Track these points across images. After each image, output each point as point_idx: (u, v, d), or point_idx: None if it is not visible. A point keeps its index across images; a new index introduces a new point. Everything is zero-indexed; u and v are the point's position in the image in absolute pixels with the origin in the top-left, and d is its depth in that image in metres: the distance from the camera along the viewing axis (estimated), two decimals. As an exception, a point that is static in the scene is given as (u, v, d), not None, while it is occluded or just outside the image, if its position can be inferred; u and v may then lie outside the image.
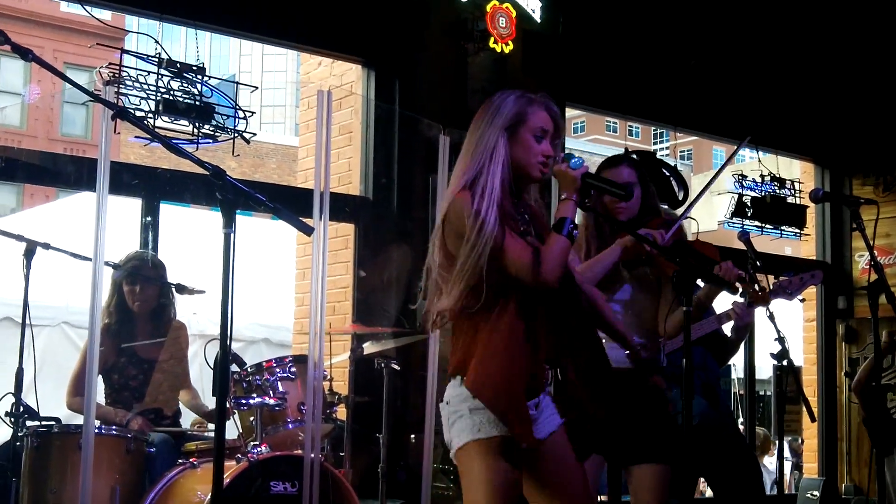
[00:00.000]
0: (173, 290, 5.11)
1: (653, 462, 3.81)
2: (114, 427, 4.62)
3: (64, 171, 5.61)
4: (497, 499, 2.93)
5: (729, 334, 5.10)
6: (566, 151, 3.17)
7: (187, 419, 5.41)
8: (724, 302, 4.52)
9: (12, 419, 4.31)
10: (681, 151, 48.15)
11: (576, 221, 3.05)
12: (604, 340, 3.87)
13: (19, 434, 4.33)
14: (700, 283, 4.04)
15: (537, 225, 3.15)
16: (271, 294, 8.52)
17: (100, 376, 5.02)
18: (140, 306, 5.10)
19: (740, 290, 4.16)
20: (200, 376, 5.66)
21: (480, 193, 2.97)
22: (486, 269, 2.91)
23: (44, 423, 4.38)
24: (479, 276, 2.93)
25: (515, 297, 2.98)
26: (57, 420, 4.50)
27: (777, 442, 5.04)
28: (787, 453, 10.83)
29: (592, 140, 42.75)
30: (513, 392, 2.93)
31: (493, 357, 2.95)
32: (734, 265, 3.86)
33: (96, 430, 4.13)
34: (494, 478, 2.93)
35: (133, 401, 5.02)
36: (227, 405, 4.43)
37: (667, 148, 46.95)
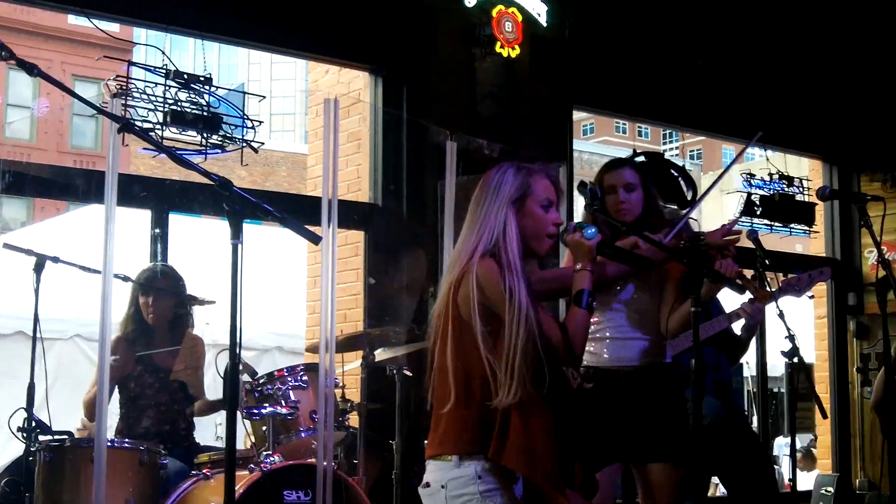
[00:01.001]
0: (189, 301, 5.15)
1: (665, 461, 3.81)
2: (126, 440, 4.63)
3: (73, 185, 5.62)
4: None
5: (739, 332, 5.10)
6: (577, 221, 3.19)
7: (200, 432, 5.42)
8: (733, 300, 4.52)
9: (24, 434, 4.33)
10: (690, 151, 48.10)
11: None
12: (613, 339, 3.88)
13: (32, 449, 4.34)
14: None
15: None
16: (284, 302, 8.54)
17: (116, 385, 5.05)
18: (154, 318, 5.12)
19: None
20: (214, 386, 5.68)
21: (507, 267, 2.93)
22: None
23: (56, 437, 4.40)
24: (534, 358, 2.87)
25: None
26: (69, 434, 4.51)
27: (790, 439, 5.03)
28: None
29: (602, 142, 42.74)
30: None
31: (539, 435, 2.88)
32: (734, 262, 3.87)
33: (109, 444, 4.15)
34: None
35: (149, 409, 5.04)
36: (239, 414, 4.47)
37: (676, 148, 46.93)
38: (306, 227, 2.84)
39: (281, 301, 8.67)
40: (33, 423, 4.35)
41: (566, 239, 3.11)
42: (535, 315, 2.89)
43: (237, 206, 2.62)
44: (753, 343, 8.53)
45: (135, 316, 5.13)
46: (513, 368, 2.84)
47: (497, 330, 2.90)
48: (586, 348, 3.86)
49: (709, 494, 7.66)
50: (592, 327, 3.85)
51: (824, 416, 5.07)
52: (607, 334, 3.91)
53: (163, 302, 5.13)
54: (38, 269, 4.51)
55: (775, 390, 11.52)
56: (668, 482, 3.81)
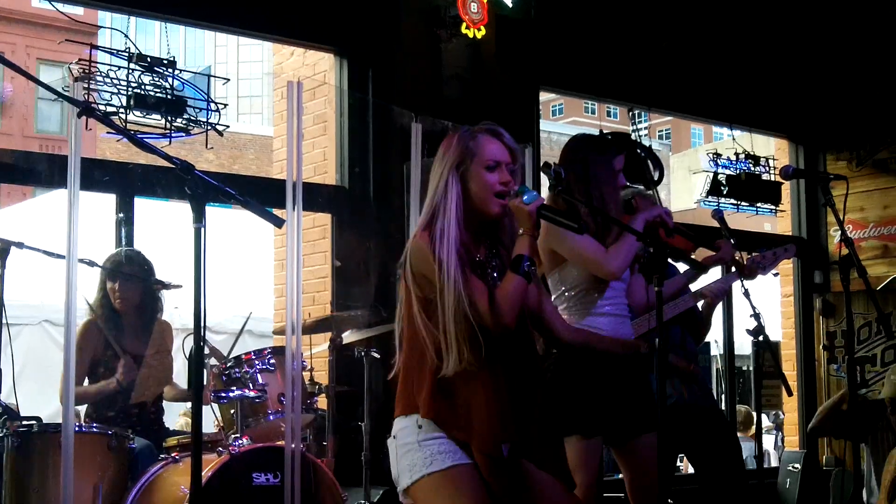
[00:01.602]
0: (157, 285, 5.13)
1: (651, 432, 3.85)
2: (94, 425, 4.63)
3: (36, 169, 5.58)
4: None
5: (700, 308, 5.13)
6: (524, 184, 3.10)
7: (169, 416, 5.42)
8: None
9: (-7, 419, 4.32)
10: (659, 131, 48.24)
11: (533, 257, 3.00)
12: (611, 315, 3.90)
13: (0, 435, 4.33)
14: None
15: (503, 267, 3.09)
16: (253, 285, 8.52)
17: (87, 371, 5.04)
18: (122, 304, 5.11)
19: (733, 268, 4.21)
20: (183, 370, 5.67)
21: (439, 237, 2.95)
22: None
23: (24, 422, 4.38)
24: (468, 327, 2.89)
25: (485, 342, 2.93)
26: (38, 419, 4.49)
27: (756, 417, 5.08)
28: (767, 428, 10.92)
29: (571, 122, 42.79)
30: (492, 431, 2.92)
31: (476, 400, 2.92)
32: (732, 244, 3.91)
33: (77, 428, 4.14)
34: None
35: (118, 395, 5.03)
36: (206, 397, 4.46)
37: (645, 128, 47.07)
38: (271, 210, 2.84)
39: (251, 284, 8.65)
40: (1, 409, 4.33)
41: (508, 204, 3.05)
42: (465, 283, 2.90)
43: (199, 189, 2.61)
44: (720, 322, 8.62)
45: (103, 301, 5.11)
46: (448, 337, 2.89)
47: (434, 299, 2.93)
48: (590, 323, 3.90)
49: (677, 472, 7.72)
50: (604, 303, 3.91)
51: (789, 393, 5.12)
52: (616, 311, 3.92)
53: (130, 287, 5.11)
54: (3, 254, 4.47)
55: (743, 368, 11.62)
56: (655, 451, 3.85)
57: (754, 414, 9.27)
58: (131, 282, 5.09)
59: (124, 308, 5.13)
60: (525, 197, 3.00)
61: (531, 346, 3.18)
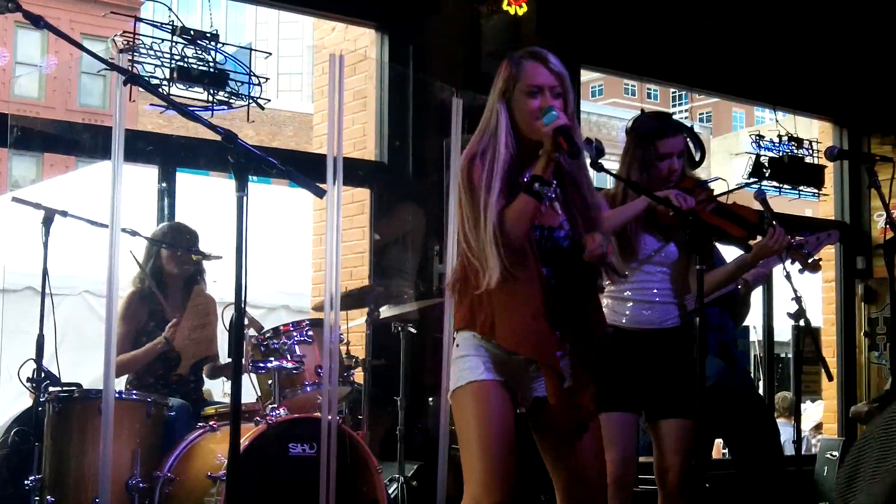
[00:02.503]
0: (199, 256, 5.17)
1: (681, 417, 3.84)
2: (134, 392, 4.68)
3: (80, 140, 5.64)
4: (485, 438, 2.98)
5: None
6: (550, 106, 3.03)
7: (209, 390, 5.46)
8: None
9: (34, 385, 4.37)
10: (700, 114, 47.88)
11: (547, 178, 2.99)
12: (641, 302, 3.88)
13: (41, 399, 4.39)
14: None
15: (576, 190, 3.12)
16: (291, 261, 8.57)
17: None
18: (180, 273, 5.15)
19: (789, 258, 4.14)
20: (223, 341, 5.71)
21: (487, 165, 2.98)
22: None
23: (65, 388, 4.44)
24: (499, 247, 2.93)
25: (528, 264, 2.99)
26: (78, 385, 4.55)
27: (796, 403, 5.05)
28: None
29: (611, 103, 42.52)
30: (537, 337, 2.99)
31: (514, 312, 2.99)
32: (785, 232, 3.86)
33: (116, 395, 4.18)
34: (476, 421, 2.99)
35: (159, 367, 5.07)
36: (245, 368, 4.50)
37: (686, 110, 46.70)
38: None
39: (288, 260, 8.69)
40: (42, 375, 4.38)
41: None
42: (502, 202, 2.95)
43: (242, 158, 2.62)
44: (760, 306, 8.56)
45: (154, 271, 5.14)
46: (488, 250, 2.94)
47: (470, 218, 3.00)
48: (615, 308, 3.90)
49: (712, 456, 7.70)
50: (626, 288, 3.90)
51: (830, 378, 5.09)
52: (641, 296, 3.91)
53: (185, 259, 5.15)
54: (47, 223, 4.52)
55: (782, 355, 11.54)
56: (682, 436, 3.84)
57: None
58: (186, 254, 5.14)
59: (176, 280, 5.17)
60: (545, 118, 2.98)
61: (586, 275, 3.15)
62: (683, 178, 3.94)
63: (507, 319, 2.99)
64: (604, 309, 3.94)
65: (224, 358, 5.30)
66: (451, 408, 3.17)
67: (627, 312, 3.91)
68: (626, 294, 3.92)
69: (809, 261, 4.04)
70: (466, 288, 3.06)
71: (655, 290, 3.90)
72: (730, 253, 4.31)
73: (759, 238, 3.93)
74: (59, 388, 4.41)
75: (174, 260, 5.12)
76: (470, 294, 3.05)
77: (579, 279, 3.11)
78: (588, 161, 3.61)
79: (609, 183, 4.03)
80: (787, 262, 4.09)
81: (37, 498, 4.29)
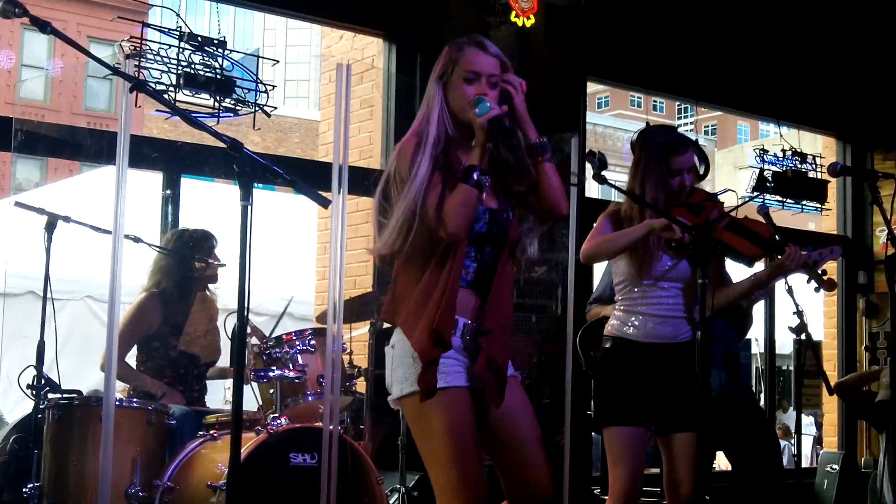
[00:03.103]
0: (203, 263, 5.17)
1: (691, 430, 3.83)
2: (134, 399, 4.67)
3: (85, 145, 5.64)
4: (453, 447, 2.92)
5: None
6: (480, 96, 3.03)
7: (211, 396, 5.45)
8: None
9: (34, 391, 4.36)
10: (705, 126, 47.88)
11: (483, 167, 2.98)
12: (656, 317, 3.88)
13: (41, 406, 4.38)
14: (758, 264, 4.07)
15: (506, 175, 3.11)
16: (295, 268, 8.56)
17: (136, 342, 5.09)
18: (208, 280, 5.18)
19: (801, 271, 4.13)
20: (225, 349, 5.71)
21: (422, 143, 3.00)
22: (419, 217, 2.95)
23: (65, 395, 4.43)
24: (411, 222, 2.95)
25: (442, 249, 2.98)
26: (78, 392, 4.54)
27: (795, 416, 5.04)
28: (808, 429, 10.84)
29: (617, 115, 42.54)
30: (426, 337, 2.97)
31: (416, 302, 2.99)
32: (799, 249, 3.86)
33: (117, 402, 4.17)
34: (445, 427, 2.93)
35: (166, 369, 5.06)
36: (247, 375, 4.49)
37: (691, 123, 46.70)
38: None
39: (293, 267, 8.69)
40: (42, 381, 4.37)
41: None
42: (428, 184, 2.96)
43: (247, 167, 2.62)
44: (762, 320, 8.56)
45: (177, 276, 5.13)
46: (395, 224, 2.96)
47: (394, 195, 3.03)
48: (627, 321, 3.91)
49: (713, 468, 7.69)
50: (638, 302, 3.91)
51: (830, 392, 5.09)
52: (650, 311, 3.90)
53: (214, 268, 5.17)
54: (50, 228, 4.52)
55: (783, 368, 11.53)
56: (692, 450, 3.83)
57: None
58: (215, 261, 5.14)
59: (207, 283, 5.18)
60: (477, 109, 2.98)
61: (506, 274, 3.15)
62: (692, 193, 3.94)
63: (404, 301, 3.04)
64: (614, 321, 3.96)
65: (225, 364, 5.30)
66: (406, 411, 3.06)
67: (640, 326, 3.91)
68: (638, 308, 3.92)
69: (825, 279, 4.03)
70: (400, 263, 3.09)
71: (669, 305, 3.90)
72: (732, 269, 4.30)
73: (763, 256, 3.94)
74: (58, 395, 4.40)
75: (204, 267, 5.12)
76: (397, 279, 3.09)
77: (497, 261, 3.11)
78: (591, 174, 3.62)
79: (614, 195, 4.03)
80: (805, 279, 4.07)
81: (35, 505, 4.29)
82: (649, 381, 3.87)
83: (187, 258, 5.09)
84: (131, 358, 5.10)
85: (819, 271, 4.00)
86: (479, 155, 2.99)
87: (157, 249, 5.10)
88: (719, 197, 4.05)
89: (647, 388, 3.86)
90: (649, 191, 3.87)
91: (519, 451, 3.11)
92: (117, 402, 4.19)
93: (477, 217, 3.02)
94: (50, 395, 4.40)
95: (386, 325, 3.15)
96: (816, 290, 4.14)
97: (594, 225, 3.99)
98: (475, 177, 2.94)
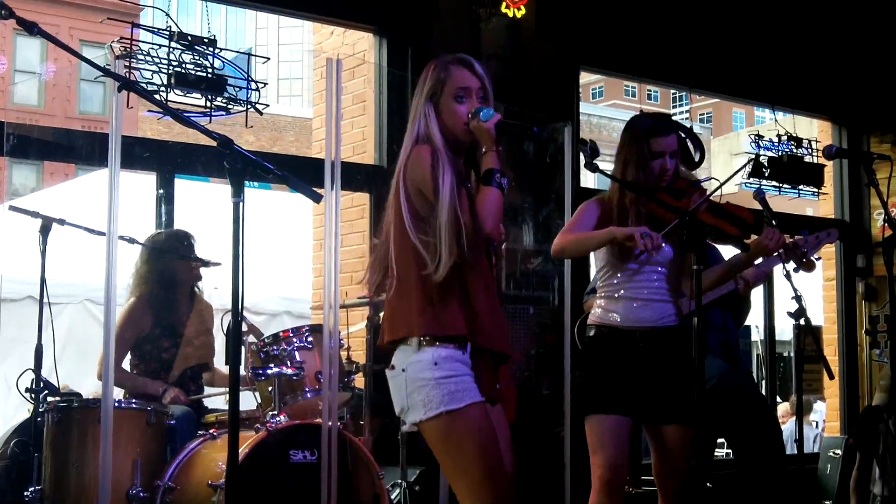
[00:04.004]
0: (198, 263, 5.17)
1: (679, 423, 3.81)
2: (133, 400, 4.66)
3: (77, 147, 5.63)
4: (486, 465, 2.96)
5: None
6: (479, 106, 3.12)
7: (210, 397, 5.45)
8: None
9: (32, 395, 4.36)
10: (700, 115, 47.87)
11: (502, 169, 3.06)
12: (637, 300, 3.87)
13: (40, 410, 4.38)
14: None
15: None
16: (291, 267, 8.56)
17: (130, 347, 5.07)
18: (189, 280, 5.18)
19: (780, 253, 4.13)
20: (222, 348, 5.70)
21: (437, 157, 3.03)
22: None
23: (64, 398, 4.43)
24: (458, 229, 2.97)
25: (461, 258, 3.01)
26: (77, 395, 4.54)
27: (796, 401, 5.03)
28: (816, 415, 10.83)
29: (611, 105, 42.50)
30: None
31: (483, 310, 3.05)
32: (779, 232, 3.86)
33: (116, 404, 4.17)
34: (480, 444, 2.96)
35: (161, 372, 5.06)
36: (244, 374, 4.49)
37: (686, 111, 46.67)
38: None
39: (289, 266, 8.69)
40: (41, 384, 4.37)
41: (470, 126, 3.09)
42: (457, 198, 2.99)
43: (238, 164, 2.61)
44: (761, 306, 8.55)
45: (161, 277, 5.13)
46: (441, 242, 2.96)
47: (426, 216, 3.03)
48: (609, 307, 3.89)
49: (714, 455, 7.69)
50: (619, 287, 3.89)
51: (831, 376, 5.07)
52: (634, 294, 3.88)
53: (195, 266, 5.16)
54: (45, 231, 4.52)
55: (784, 354, 11.53)
56: (683, 443, 3.82)
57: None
58: (197, 262, 5.14)
59: (190, 284, 5.18)
60: (482, 115, 3.06)
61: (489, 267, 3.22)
62: (676, 180, 3.93)
63: (484, 317, 3.05)
64: (597, 309, 3.94)
65: (221, 365, 5.29)
66: (432, 434, 3.03)
67: (621, 311, 3.88)
68: (619, 293, 3.90)
69: (804, 259, 4.03)
70: (418, 285, 3.04)
71: (650, 289, 3.88)
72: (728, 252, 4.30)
73: (753, 237, 3.92)
74: (58, 398, 4.40)
75: (185, 267, 5.12)
76: (413, 293, 3.04)
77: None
78: (584, 162, 3.62)
79: (609, 185, 4.01)
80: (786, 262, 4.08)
81: (37, 508, 4.29)
82: (633, 368, 3.83)
83: (168, 259, 5.08)
84: (126, 364, 5.10)
85: (798, 252, 4.01)
86: (493, 159, 3.07)
87: (150, 248, 5.09)
88: (702, 184, 4.03)
89: (630, 376, 3.83)
90: (630, 174, 3.86)
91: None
92: (116, 404, 4.19)
93: None
94: (49, 398, 4.39)
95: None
96: (796, 270, 4.15)
97: (577, 210, 3.97)
98: (497, 178, 3.02)
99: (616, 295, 3.91)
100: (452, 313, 3.01)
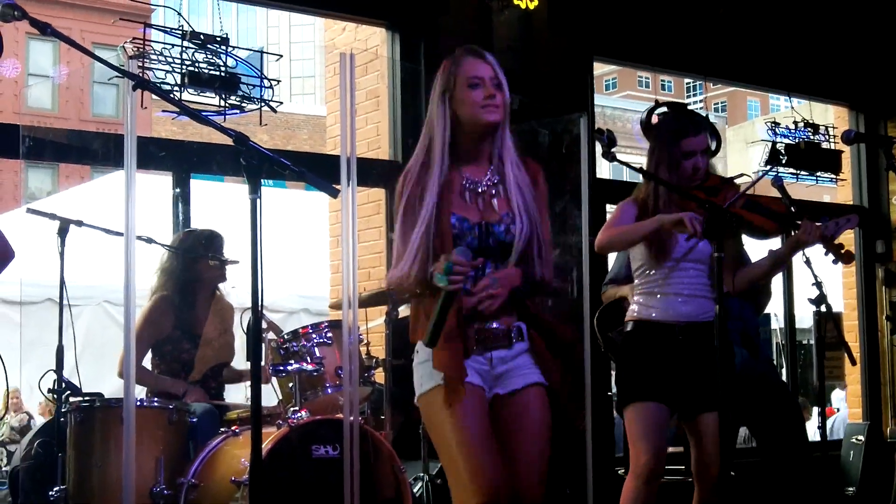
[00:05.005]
0: (216, 262, 5.16)
1: (715, 410, 3.80)
2: (155, 399, 4.68)
3: (92, 148, 5.65)
4: (462, 438, 2.97)
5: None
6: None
7: (229, 393, 5.46)
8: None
9: (55, 395, 4.38)
10: (714, 104, 47.69)
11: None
12: (678, 296, 3.86)
13: (63, 410, 4.40)
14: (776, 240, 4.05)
15: (507, 183, 3.14)
16: (309, 265, 8.58)
17: (150, 347, 5.08)
18: (213, 279, 5.18)
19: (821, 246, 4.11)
20: (242, 347, 5.71)
21: (429, 167, 3.08)
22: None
23: (86, 398, 4.44)
24: (426, 248, 3.01)
25: None
26: (99, 395, 4.56)
27: (818, 388, 5.02)
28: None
29: (625, 96, 42.42)
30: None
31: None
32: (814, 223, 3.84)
33: (138, 403, 4.18)
34: (455, 419, 2.98)
35: (182, 374, 5.06)
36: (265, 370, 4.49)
37: (700, 100, 46.53)
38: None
39: (306, 264, 8.71)
40: (63, 385, 4.39)
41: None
42: (435, 211, 3.03)
43: (254, 160, 2.61)
44: (781, 294, 8.52)
45: (183, 278, 5.12)
46: (410, 251, 3.03)
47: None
48: (649, 303, 3.91)
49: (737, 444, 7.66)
50: (658, 284, 3.90)
51: (853, 362, 5.05)
52: (670, 290, 3.89)
53: (219, 266, 5.16)
54: (62, 233, 4.55)
55: (804, 342, 11.47)
56: (719, 430, 3.81)
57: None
58: (223, 261, 5.14)
59: (215, 284, 5.18)
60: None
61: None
62: (708, 177, 3.93)
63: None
64: (635, 306, 3.96)
65: (241, 362, 5.29)
66: (423, 408, 3.14)
67: (662, 306, 3.89)
68: (658, 289, 3.91)
69: (843, 251, 4.00)
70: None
71: (692, 285, 3.89)
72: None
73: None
74: (80, 399, 4.41)
75: (210, 267, 5.12)
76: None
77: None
78: (601, 152, 3.61)
79: (625, 174, 4.01)
80: (822, 252, 4.04)
81: (62, 508, 4.31)
82: (672, 360, 3.85)
83: (194, 259, 5.08)
84: (147, 363, 5.10)
85: (836, 243, 3.98)
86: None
87: (170, 249, 5.09)
88: (735, 181, 4.02)
89: (669, 368, 3.84)
90: (662, 175, 3.87)
91: (518, 447, 3.13)
92: (138, 403, 4.21)
93: (463, 234, 3.07)
94: (71, 399, 4.41)
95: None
96: (834, 262, 4.11)
97: (615, 210, 3.98)
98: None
99: (655, 291, 3.92)
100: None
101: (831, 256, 4.01)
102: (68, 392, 4.42)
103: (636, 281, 4.02)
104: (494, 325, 3.11)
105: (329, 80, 7.23)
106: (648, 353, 3.89)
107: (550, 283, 3.22)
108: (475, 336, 3.08)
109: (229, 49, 5.36)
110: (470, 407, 3.00)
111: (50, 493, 4.32)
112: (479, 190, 3.13)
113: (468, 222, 3.08)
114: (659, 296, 3.90)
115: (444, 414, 3.00)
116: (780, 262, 4.05)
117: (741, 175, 4.08)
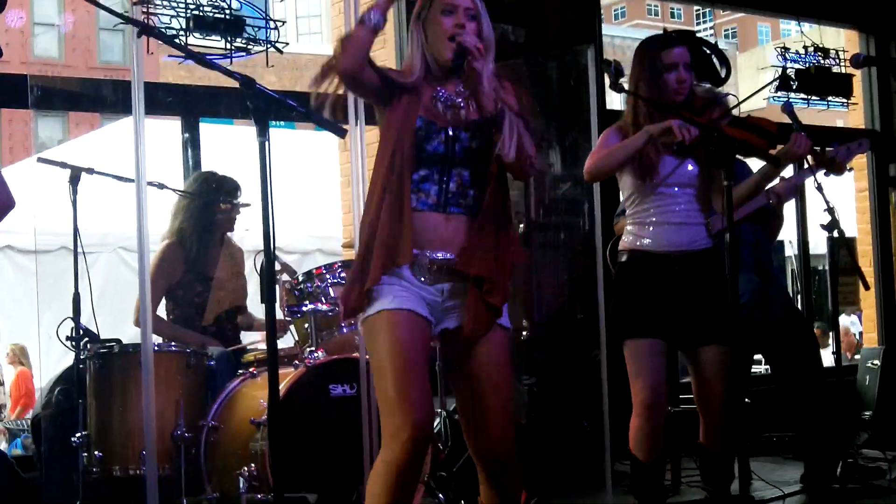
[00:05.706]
0: (227, 205, 5.16)
1: (717, 343, 3.81)
2: (173, 343, 4.71)
3: (101, 96, 5.64)
4: (393, 364, 2.93)
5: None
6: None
7: (245, 337, 5.50)
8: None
9: (73, 343, 4.42)
10: (725, 30, 47.20)
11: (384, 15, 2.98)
12: (668, 224, 3.85)
13: (81, 357, 4.44)
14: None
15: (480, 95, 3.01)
16: (320, 206, 8.58)
17: (164, 294, 5.11)
18: (229, 225, 5.18)
19: (810, 161, 4.11)
20: (256, 290, 5.74)
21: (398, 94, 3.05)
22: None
23: (104, 344, 4.49)
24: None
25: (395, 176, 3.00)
26: (118, 341, 4.60)
27: (832, 314, 5.02)
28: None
29: (634, 25, 42.01)
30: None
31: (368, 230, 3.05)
32: (807, 137, 3.82)
33: (155, 348, 4.22)
34: (387, 345, 2.94)
35: (196, 318, 5.10)
36: (280, 313, 4.52)
37: (710, 28, 46.04)
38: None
39: (319, 205, 8.71)
40: (81, 332, 4.43)
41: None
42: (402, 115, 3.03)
43: (261, 103, 2.62)
44: (794, 221, 8.50)
45: (196, 223, 5.12)
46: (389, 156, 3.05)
47: None
48: (640, 232, 3.88)
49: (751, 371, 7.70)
50: (649, 212, 3.87)
51: (866, 287, 5.04)
52: (662, 219, 3.87)
53: (231, 209, 5.16)
54: (74, 181, 4.56)
55: (818, 268, 11.47)
56: (720, 364, 3.82)
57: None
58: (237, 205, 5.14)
59: (227, 229, 5.19)
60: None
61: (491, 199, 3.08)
62: (694, 97, 3.88)
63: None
64: (628, 236, 3.93)
65: (256, 305, 5.31)
66: (363, 333, 3.10)
67: (652, 236, 3.87)
68: (649, 218, 3.88)
69: (833, 163, 4.00)
70: None
71: (680, 211, 3.85)
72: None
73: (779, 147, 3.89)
74: (98, 345, 4.46)
75: (220, 210, 5.12)
76: None
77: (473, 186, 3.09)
78: (608, 83, 3.58)
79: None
80: (819, 172, 4.04)
81: (85, 454, 4.37)
82: (668, 292, 3.83)
83: (211, 201, 5.09)
84: (161, 311, 5.13)
85: (830, 157, 3.98)
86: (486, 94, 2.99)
87: (182, 194, 5.10)
88: (722, 100, 3.98)
89: (665, 300, 3.83)
90: (642, 90, 3.82)
91: (483, 401, 3.06)
92: (156, 348, 4.25)
93: (430, 136, 3.01)
94: (89, 346, 4.46)
95: None
96: (827, 174, 4.11)
97: (598, 139, 3.95)
98: (371, 16, 2.96)
99: (646, 220, 3.89)
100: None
101: (823, 169, 4.01)
102: (86, 339, 4.47)
103: (627, 211, 3.98)
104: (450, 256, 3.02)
105: (335, 18, 7.16)
106: (643, 286, 3.86)
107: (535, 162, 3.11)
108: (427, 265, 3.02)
109: (233, -9, 5.33)
110: (406, 332, 2.96)
111: (73, 438, 4.39)
112: (450, 102, 3.07)
113: (435, 125, 3.02)
114: (652, 226, 3.87)
115: (382, 339, 2.96)
116: (768, 178, 4.03)
117: (728, 94, 4.04)
